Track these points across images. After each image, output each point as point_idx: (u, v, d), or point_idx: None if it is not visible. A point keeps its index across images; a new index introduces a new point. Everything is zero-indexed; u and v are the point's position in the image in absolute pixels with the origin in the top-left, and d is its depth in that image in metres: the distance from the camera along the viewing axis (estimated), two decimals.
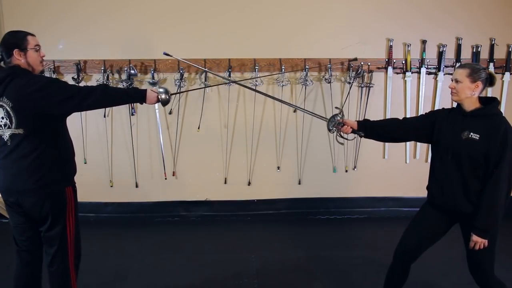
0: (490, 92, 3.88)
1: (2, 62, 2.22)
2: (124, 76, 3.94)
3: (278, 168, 4.22)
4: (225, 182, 4.22)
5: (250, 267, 3.29)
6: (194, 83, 4.04)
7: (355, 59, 2.90)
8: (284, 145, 4.19)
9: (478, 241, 2.16)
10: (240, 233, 3.99)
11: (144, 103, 2.37)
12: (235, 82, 3.18)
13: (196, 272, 3.21)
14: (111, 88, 2.40)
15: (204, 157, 4.18)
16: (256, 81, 3.91)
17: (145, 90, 2.34)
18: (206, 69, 3.34)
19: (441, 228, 2.36)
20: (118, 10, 3.92)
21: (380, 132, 2.47)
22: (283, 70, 3.92)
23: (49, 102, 2.11)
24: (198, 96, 4.02)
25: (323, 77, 4.04)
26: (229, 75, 3.92)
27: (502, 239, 2.32)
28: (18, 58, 2.18)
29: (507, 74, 4.09)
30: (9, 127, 2.13)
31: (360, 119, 2.78)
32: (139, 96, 2.34)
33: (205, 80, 3.93)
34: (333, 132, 2.55)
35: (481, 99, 2.25)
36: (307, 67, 3.95)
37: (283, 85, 3.97)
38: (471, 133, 2.17)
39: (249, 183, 4.25)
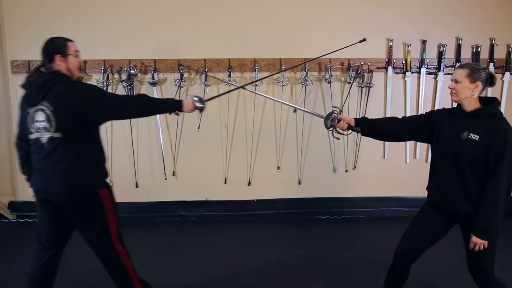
0: (490, 92, 3.88)
1: (43, 68, 2.30)
2: (124, 76, 3.94)
3: (278, 168, 4.22)
4: (225, 182, 4.22)
5: (250, 267, 3.29)
6: (194, 83, 4.04)
7: (364, 40, 2.83)
8: (284, 145, 4.20)
9: (478, 242, 2.16)
10: (240, 233, 3.99)
11: (181, 112, 2.46)
12: (245, 88, 3.19)
13: (196, 272, 3.21)
14: (150, 98, 2.46)
15: (204, 157, 4.18)
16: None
17: (182, 100, 2.44)
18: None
19: (441, 229, 2.36)
20: (118, 10, 3.92)
21: (378, 130, 2.46)
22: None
23: (88, 108, 2.18)
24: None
25: (323, 77, 4.04)
26: (229, 75, 3.92)
27: (502, 239, 2.32)
28: (59, 64, 2.26)
29: (507, 74, 4.09)
30: (48, 131, 2.19)
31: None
32: (176, 105, 2.42)
33: (205, 80, 3.93)
34: (330, 129, 2.56)
35: (482, 99, 2.24)
36: (307, 67, 3.95)
37: (283, 85, 3.97)
38: (471, 134, 2.16)
39: (249, 183, 4.25)
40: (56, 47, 2.29)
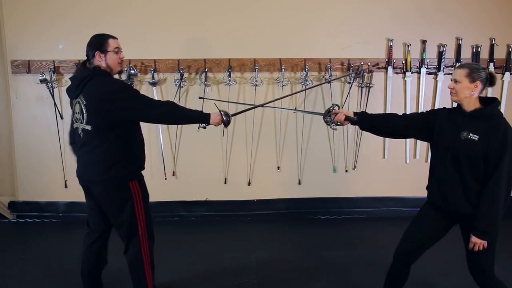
0: (490, 92, 3.88)
1: (87, 63, 2.42)
2: (124, 76, 3.94)
3: (278, 168, 4.22)
4: (225, 182, 4.22)
5: (250, 267, 3.29)
6: (194, 83, 4.04)
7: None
8: (284, 145, 4.20)
9: (478, 242, 2.16)
10: (240, 233, 3.99)
11: (208, 125, 2.52)
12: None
13: (196, 272, 3.21)
14: (179, 106, 2.49)
15: (204, 157, 4.18)
16: (256, 80, 3.92)
17: (209, 113, 2.49)
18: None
19: (441, 229, 2.36)
20: (118, 10, 3.92)
21: (377, 125, 2.45)
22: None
23: (116, 106, 2.28)
24: (198, 96, 4.02)
25: (323, 77, 4.04)
26: (229, 75, 3.92)
27: (502, 239, 2.32)
28: (98, 60, 2.38)
29: (507, 74, 4.09)
30: (81, 122, 2.34)
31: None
32: (204, 117, 2.47)
33: (205, 80, 3.93)
34: (329, 123, 2.59)
35: (482, 99, 2.24)
36: (307, 67, 3.95)
37: (283, 85, 3.97)
38: (470, 134, 2.16)
39: (249, 183, 4.25)
40: (96, 43, 2.41)
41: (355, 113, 2.51)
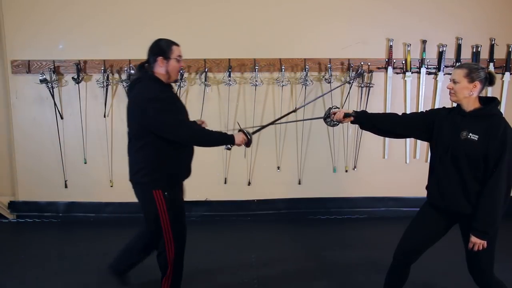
0: (490, 92, 3.88)
1: (146, 65, 2.45)
2: (124, 76, 3.94)
3: (278, 168, 4.22)
4: (225, 182, 4.22)
5: (250, 267, 3.29)
6: (194, 83, 4.04)
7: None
8: (284, 145, 4.19)
9: (477, 242, 2.15)
10: (240, 233, 3.99)
11: (232, 146, 2.52)
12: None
13: (196, 272, 3.21)
14: (205, 130, 2.49)
15: (204, 157, 4.16)
16: (256, 80, 3.92)
17: (233, 135, 2.50)
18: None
19: (441, 229, 2.36)
20: (118, 10, 3.92)
21: (377, 125, 2.45)
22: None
23: (147, 114, 2.29)
24: (198, 96, 4.03)
25: (323, 77, 4.04)
26: (229, 75, 3.92)
27: (502, 239, 2.32)
28: (160, 65, 2.40)
29: (507, 74, 4.08)
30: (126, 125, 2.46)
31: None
32: (229, 140, 2.48)
33: (205, 80, 3.93)
34: (329, 123, 2.60)
35: (481, 99, 2.24)
36: (307, 67, 3.95)
37: (283, 85, 3.97)
38: (470, 134, 2.16)
39: (249, 183, 4.25)
40: (160, 49, 2.41)
41: (355, 112, 2.50)
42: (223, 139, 2.48)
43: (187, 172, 2.60)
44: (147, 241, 2.68)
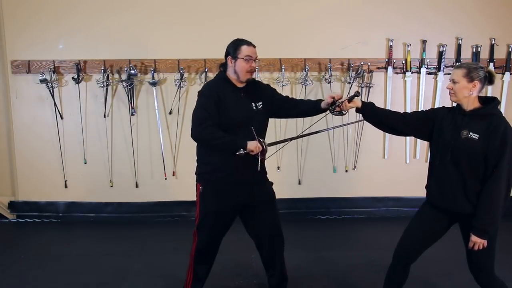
0: (490, 91, 3.88)
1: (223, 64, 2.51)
2: (124, 76, 3.94)
3: (278, 168, 4.22)
4: None
5: (250, 267, 3.29)
6: (194, 83, 4.04)
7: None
8: (284, 145, 4.18)
9: (477, 242, 2.15)
10: (240, 233, 3.97)
11: (245, 151, 2.44)
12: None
13: None
14: (219, 136, 2.42)
15: None
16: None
17: (246, 141, 2.44)
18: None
19: (441, 228, 2.36)
20: (118, 10, 3.92)
21: (383, 119, 2.43)
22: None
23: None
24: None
25: (323, 77, 4.04)
26: None
27: (502, 239, 2.32)
28: (230, 65, 2.45)
29: (507, 74, 4.08)
30: None
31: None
32: (241, 145, 2.42)
33: (205, 80, 3.93)
34: (333, 112, 2.52)
35: (481, 99, 2.24)
36: (307, 67, 3.95)
37: (283, 85, 3.97)
38: (470, 133, 2.16)
39: None
40: (230, 48, 2.46)
41: (363, 103, 2.47)
42: (234, 144, 2.41)
43: (234, 175, 2.52)
44: None
